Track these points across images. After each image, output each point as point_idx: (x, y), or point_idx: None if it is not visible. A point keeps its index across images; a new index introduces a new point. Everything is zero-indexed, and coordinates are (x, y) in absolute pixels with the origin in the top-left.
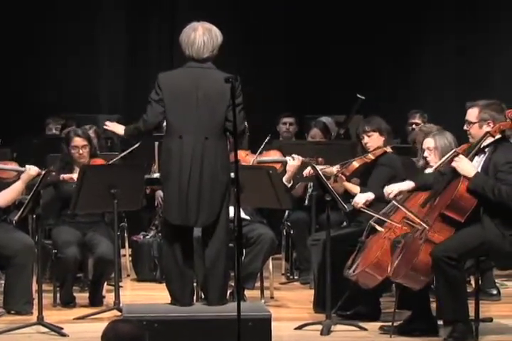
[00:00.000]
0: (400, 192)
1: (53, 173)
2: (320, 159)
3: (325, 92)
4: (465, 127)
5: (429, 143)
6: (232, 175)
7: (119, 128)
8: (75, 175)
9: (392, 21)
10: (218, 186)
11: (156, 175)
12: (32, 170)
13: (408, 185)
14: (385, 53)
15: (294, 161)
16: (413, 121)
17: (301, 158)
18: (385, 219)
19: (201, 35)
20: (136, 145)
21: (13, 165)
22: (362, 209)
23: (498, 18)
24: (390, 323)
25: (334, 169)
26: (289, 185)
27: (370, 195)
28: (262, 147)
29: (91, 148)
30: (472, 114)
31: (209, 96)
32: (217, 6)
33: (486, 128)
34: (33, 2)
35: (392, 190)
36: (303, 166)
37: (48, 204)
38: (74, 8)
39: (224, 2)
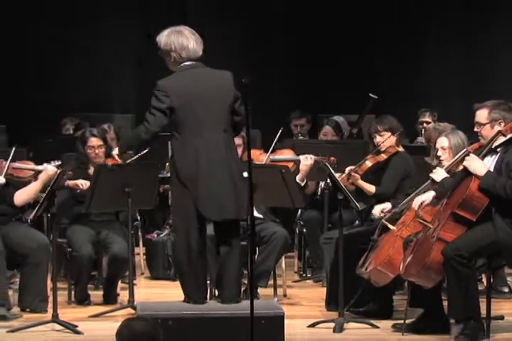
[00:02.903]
0: (423, 203)
1: (69, 173)
2: (332, 158)
3: (337, 92)
4: (475, 129)
5: (443, 142)
6: (245, 174)
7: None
8: (79, 181)
9: (399, 21)
10: (242, 177)
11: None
12: (50, 169)
13: (430, 196)
14: (393, 54)
15: (307, 160)
16: (423, 119)
17: (314, 157)
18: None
19: (191, 37)
20: (148, 149)
21: (31, 165)
22: (384, 222)
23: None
24: (402, 321)
25: (347, 169)
26: (303, 184)
27: (386, 206)
28: (274, 142)
29: (106, 148)
30: (482, 115)
31: (217, 93)
32: (228, 8)
33: (497, 128)
34: (47, 4)
35: (416, 203)
36: (315, 165)
37: (62, 203)
38: (87, 11)
39: (233, 4)
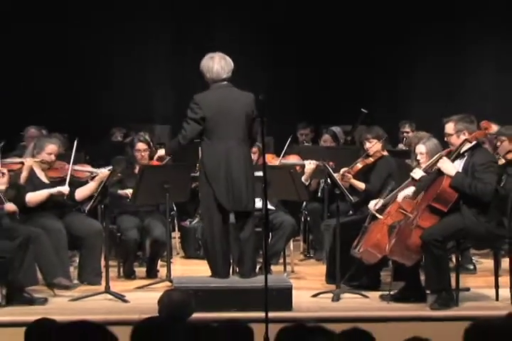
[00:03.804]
0: (406, 196)
1: (119, 175)
2: (331, 163)
3: (336, 107)
4: (445, 138)
5: (420, 148)
6: (260, 173)
7: (161, 152)
8: (128, 191)
9: (386, 44)
10: (253, 178)
11: None
12: (104, 173)
13: (411, 190)
14: (381, 76)
15: (310, 165)
16: (403, 130)
17: (316, 162)
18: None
19: (218, 62)
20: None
21: (88, 168)
22: (373, 212)
23: (475, 46)
24: (387, 292)
25: (341, 171)
26: (307, 183)
27: (379, 203)
28: (284, 149)
29: (150, 152)
30: (449, 127)
31: (237, 110)
32: (246, 35)
33: (462, 137)
34: (102, 28)
35: (401, 196)
36: (317, 168)
37: (113, 197)
38: (130, 33)
39: (251, 30)
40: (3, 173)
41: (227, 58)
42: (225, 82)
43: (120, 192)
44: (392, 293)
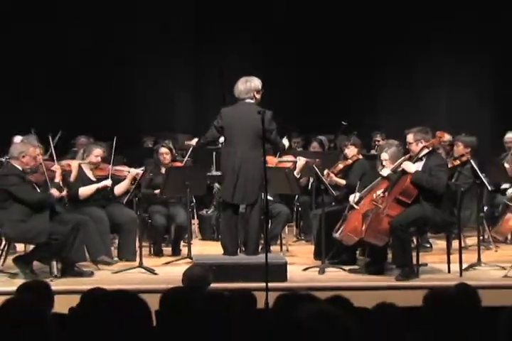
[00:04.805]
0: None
1: (151, 174)
2: (317, 160)
3: (322, 119)
4: (407, 146)
5: (384, 156)
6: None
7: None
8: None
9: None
10: (256, 179)
11: (215, 173)
12: (133, 172)
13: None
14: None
15: (301, 161)
16: (375, 139)
17: (305, 159)
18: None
19: (242, 83)
20: (190, 151)
21: (126, 168)
22: (351, 204)
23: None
24: (361, 267)
25: (325, 172)
26: (298, 176)
27: (356, 196)
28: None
29: (172, 155)
30: (409, 137)
31: (249, 123)
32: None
33: (420, 145)
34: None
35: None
36: (307, 166)
37: (145, 191)
38: (152, 58)
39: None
40: (55, 170)
41: (250, 81)
42: (248, 100)
43: (155, 191)
44: (357, 267)
